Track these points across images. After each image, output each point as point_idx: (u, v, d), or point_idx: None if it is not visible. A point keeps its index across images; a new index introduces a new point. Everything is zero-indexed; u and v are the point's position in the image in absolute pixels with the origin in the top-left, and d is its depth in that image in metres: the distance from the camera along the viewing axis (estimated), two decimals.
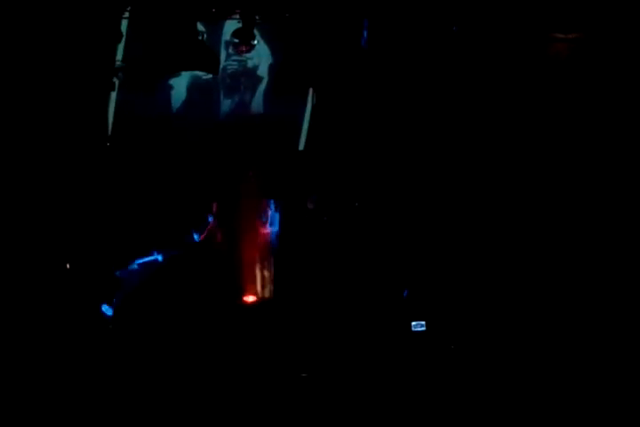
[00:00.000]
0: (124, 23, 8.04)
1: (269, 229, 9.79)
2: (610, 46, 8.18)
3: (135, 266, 8.70)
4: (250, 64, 13.56)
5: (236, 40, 8.67)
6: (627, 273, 7.89)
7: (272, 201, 9.90)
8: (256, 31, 8.32)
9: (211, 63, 7.48)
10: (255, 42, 8.71)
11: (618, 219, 8.29)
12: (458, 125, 8.87)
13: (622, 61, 8.17)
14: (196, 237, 9.35)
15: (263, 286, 9.93)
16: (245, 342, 7.73)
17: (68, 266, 8.35)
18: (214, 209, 9.59)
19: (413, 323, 7.65)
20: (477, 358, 7.41)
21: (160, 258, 8.94)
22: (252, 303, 9.45)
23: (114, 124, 12.73)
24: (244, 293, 9.74)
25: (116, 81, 11.02)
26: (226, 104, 13.70)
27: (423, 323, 7.66)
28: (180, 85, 12.98)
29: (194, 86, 13.13)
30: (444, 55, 8.31)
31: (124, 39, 7.53)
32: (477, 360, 7.38)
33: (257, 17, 7.85)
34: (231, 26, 8.86)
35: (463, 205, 9.02)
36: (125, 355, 7.43)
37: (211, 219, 9.55)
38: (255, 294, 9.79)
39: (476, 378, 7.25)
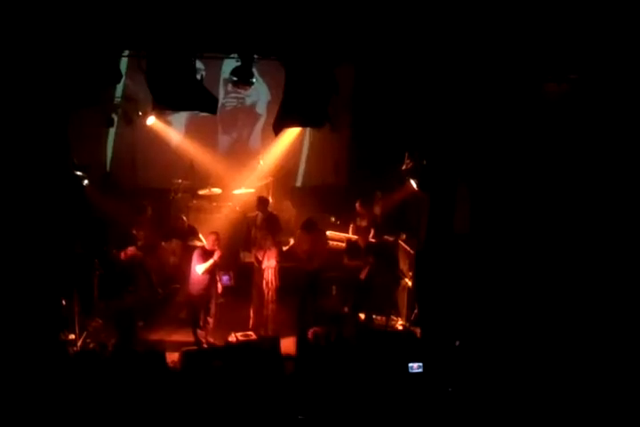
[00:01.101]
0: (124, 62, 8.16)
1: None
2: (602, 87, 8.33)
3: None
4: (248, 101, 13.76)
5: (235, 78, 8.67)
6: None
7: None
8: (254, 69, 8.38)
9: (209, 104, 7.49)
10: (254, 80, 8.73)
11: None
12: None
13: (614, 100, 8.33)
14: None
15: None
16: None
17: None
18: None
19: (411, 364, 7.57)
20: (475, 401, 7.31)
21: None
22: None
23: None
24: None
25: (115, 117, 11.17)
26: (224, 140, 13.85)
27: (421, 364, 7.58)
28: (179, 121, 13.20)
29: (192, 122, 13.34)
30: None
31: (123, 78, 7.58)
32: (475, 404, 7.28)
33: (255, 56, 7.91)
34: (230, 63, 8.94)
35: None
36: None
37: None
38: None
39: (473, 422, 7.16)
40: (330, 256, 10.62)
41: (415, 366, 7.64)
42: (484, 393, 7.40)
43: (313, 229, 10.12)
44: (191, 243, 10.83)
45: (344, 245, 10.92)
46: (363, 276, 10.06)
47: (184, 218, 11.23)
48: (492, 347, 8.16)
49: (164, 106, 7.66)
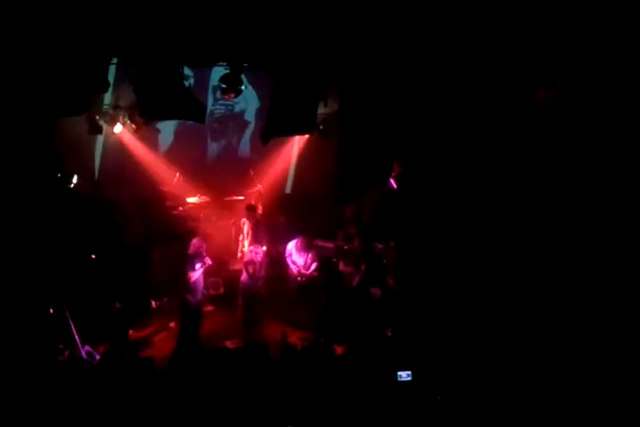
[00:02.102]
0: (112, 69, 8.14)
1: None
2: (589, 93, 8.41)
3: None
4: (237, 108, 13.74)
5: (224, 85, 8.65)
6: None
7: None
8: (243, 76, 8.36)
9: (197, 112, 7.48)
10: (243, 87, 8.72)
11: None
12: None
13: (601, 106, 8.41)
14: None
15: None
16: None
17: None
18: None
19: (400, 372, 7.55)
20: (464, 409, 7.30)
21: None
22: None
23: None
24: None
25: (104, 125, 11.12)
26: (213, 148, 13.82)
27: (409, 372, 7.56)
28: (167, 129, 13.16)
29: (181, 129, 13.29)
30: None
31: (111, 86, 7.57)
32: (464, 412, 7.26)
33: (245, 64, 7.90)
34: (219, 70, 8.92)
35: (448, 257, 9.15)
36: None
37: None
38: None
39: None
40: (321, 262, 10.68)
41: (404, 375, 7.62)
42: (473, 401, 7.39)
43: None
44: (186, 248, 10.83)
45: (333, 251, 10.93)
46: (354, 283, 10.06)
47: (179, 223, 11.24)
48: (482, 354, 8.15)
49: (151, 115, 7.63)
